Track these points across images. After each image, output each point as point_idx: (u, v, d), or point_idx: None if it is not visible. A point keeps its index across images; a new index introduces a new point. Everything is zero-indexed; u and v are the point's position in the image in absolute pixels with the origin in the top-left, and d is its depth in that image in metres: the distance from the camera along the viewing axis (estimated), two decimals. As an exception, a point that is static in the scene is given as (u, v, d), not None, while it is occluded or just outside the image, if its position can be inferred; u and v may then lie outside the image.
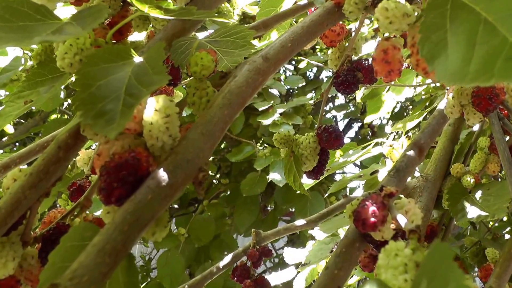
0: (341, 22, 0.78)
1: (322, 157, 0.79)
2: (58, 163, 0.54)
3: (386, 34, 0.57)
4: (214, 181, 3.36)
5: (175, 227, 3.10)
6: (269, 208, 3.31)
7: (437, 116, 0.82)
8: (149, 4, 0.49)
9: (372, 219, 0.50)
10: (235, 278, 1.03)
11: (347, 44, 0.77)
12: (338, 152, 1.40)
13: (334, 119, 3.86)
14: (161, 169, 0.44)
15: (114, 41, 0.74)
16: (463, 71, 0.39)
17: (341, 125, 3.91)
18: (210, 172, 3.17)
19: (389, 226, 0.52)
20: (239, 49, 0.63)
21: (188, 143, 0.47)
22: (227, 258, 1.06)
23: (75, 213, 0.60)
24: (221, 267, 1.06)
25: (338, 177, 3.28)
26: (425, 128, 0.79)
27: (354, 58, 0.77)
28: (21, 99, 0.66)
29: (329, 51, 0.80)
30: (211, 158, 3.28)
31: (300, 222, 1.06)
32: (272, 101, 2.62)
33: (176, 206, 3.52)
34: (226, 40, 0.63)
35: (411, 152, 0.71)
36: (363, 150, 1.30)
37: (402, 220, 0.48)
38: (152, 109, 0.46)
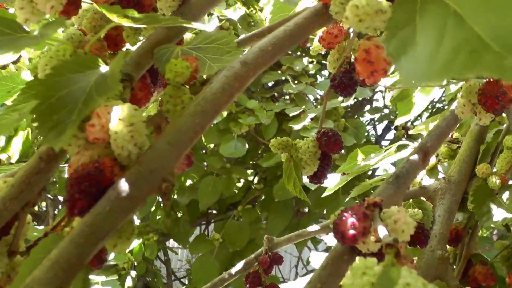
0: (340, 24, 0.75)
1: (324, 162, 0.76)
2: (39, 174, 0.55)
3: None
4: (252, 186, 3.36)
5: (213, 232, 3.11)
6: (306, 210, 3.27)
7: (448, 117, 0.77)
8: (117, 13, 0.49)
9: (351, 232, 0.47)
10: (248, 285, 1.02)
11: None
12: (360, 156, 1.35)
13: (373, 122, 3.77)
14: (123, 180, 0.44)
15: (111, 52, 0.75)
16: (429, 68, 0.36)
17: (380, 128, 3.81)
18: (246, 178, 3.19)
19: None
20: (225, 55, 0.61)
21: (153, 153, 0.46)
22: (239, 265, 1.05)
23: (63, 223, 0.61)
24: (233, 274, 1.04)
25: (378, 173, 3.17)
26: (432, 131, 0.74)
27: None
28: (16, 112, 0.67)
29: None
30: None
31: (313, 227, 1.02)
32: (304, 106, 2.59)
33: (214, 211, 3.53)
34: (211, 47, 0.62)
35: (414, 157, 0.67)
36: (384, 153, 1.24)
37: (382, 232, 0.45)
38: (116, 118, 0.46)
